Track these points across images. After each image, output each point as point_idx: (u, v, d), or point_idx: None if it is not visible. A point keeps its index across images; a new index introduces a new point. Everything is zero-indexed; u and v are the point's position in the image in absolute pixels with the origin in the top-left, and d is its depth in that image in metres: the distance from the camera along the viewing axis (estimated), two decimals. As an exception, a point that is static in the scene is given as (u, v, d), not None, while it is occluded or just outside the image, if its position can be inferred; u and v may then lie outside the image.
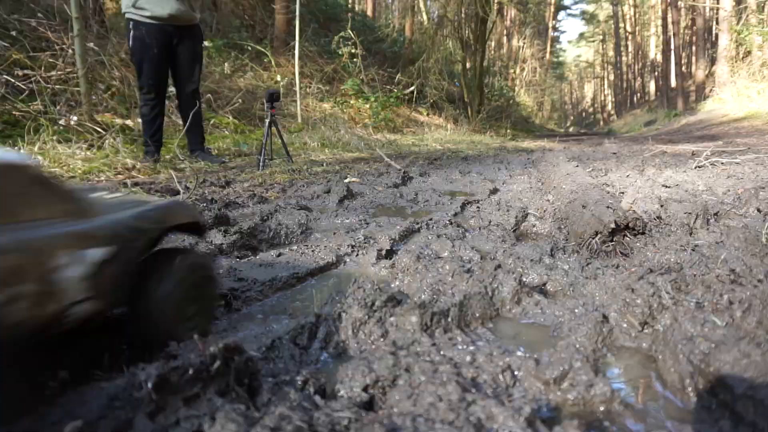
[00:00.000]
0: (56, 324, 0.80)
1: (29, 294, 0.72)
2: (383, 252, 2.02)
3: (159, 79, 4.34)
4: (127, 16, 4.20)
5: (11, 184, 0.73)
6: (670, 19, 28.54)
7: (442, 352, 1.09)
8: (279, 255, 1.96)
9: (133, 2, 4.13)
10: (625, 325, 1.28)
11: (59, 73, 5.33)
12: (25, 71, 4.99)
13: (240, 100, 8.12)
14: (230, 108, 7.85)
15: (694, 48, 27.85)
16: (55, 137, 4.12)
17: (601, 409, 0.93)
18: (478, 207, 2.93)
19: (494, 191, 3.56)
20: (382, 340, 1.20)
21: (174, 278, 1.00)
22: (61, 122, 4.60)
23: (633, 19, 42.84)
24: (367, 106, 11.27)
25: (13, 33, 5.44)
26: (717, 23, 21.01)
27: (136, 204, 1.01)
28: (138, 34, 4.17)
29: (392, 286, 1.67)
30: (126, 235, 0.92)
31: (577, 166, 4.27)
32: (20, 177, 0.75)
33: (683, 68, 29.77)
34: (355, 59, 12.26)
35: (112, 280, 0.88)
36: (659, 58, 34.53)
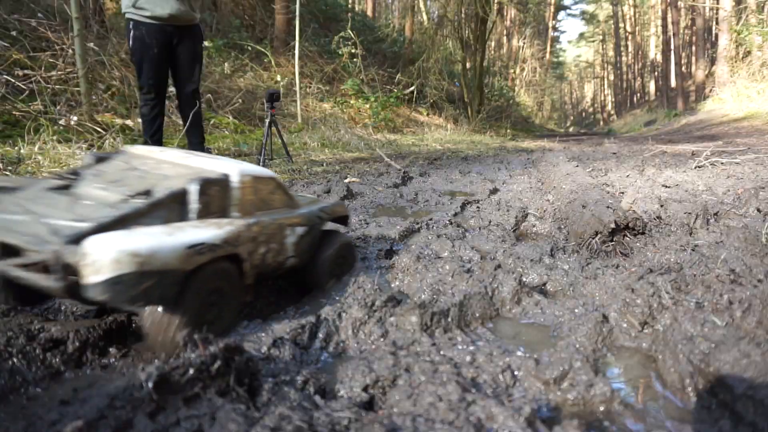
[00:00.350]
0: (279, 269, 1.39)
1: (275, 249, 1.33)
2: (383, 251, 2.02)
3: (159, 79, 4.34)
4: (127, 16, 4.20)
5: (269, 188, 1.36)
6: (670, 19, 28.54)
7: (442, 352, 1.09)
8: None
9: (133, 2, 4.13)
10: (625, 325, 1.28)
11: (59, 73, 5.33)
12: (25, 71, 4.99)
13: (240, 100, 8.12)
14: (230, 108, 7.85)
15: (694, 48, 27.87)
16: (55, 137, 4.12)
17: (601, 409, 0.93)
18: (478, 207, 2.93)
19: (494, 191, 3.56)
20: (382, 340, 1.20)
21: (333, 247, 1.60)
22: (61, 122, 4.60)
23: (633, 19, 42.87)
24: (367, 106, 11.27)
25: (13, 33, 5.44)
26: (717, 23, 21.02)
27: (316, 202, 1.67)
28: (138, 34, 4.17)
29: (392, 286, 1.68)
30: (314, 220, 1.53)
31: (577, 166, 4.27)
32: (272, 184, 1.38)
33: (683, 68, 29.79)
34: (355, 59, 12.26)
35: (306, 246, 1.48)
36: (659, 58, 34.56)
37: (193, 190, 1.16)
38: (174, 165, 1.30)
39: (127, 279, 0.91)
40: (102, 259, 0.89)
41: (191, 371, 0.78)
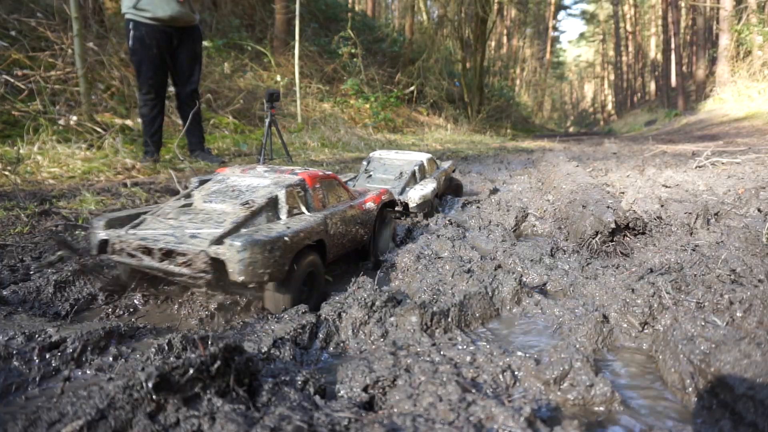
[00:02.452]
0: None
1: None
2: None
3: (159, 79, 4.35)
4: (127, 17, 4.20)
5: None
6: (670, 19, 28.53)
7: (442, 352, 1.09)
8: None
9: (134, 3, 4.13)
10: (625, 325, 1.28)
11: (59, 73, 5.33)
12: (25, 71, 4.99)
13: (240, 100, 8.12)
14: (230, 108, 7.85)
15: (694, 48, 27.86)
16: (54, 137, 4.12)
17: (601, 409, 0.93)
18: (478, 207, 2.93)
19: (494, 191, 3.56)
20: (382, 340, 1.19)
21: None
22: (61, 122, 4.60)
23: (633, 18, 42.83)
24: (367, 106, 11.27)
25: (13, 33, 5.44)
26: (717, 23, 21.02)
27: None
28: (138, 35, 4.18)
29: (392, 286, 1.67)
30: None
31: (577, 166, 4.27)
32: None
33: (683, 68, 29.76)
34: (355, 59, 12.26)
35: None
36: (659, 57, 34.54)
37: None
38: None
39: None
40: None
41: (191, 371, 0.77)
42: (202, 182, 1.74)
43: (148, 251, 1.35)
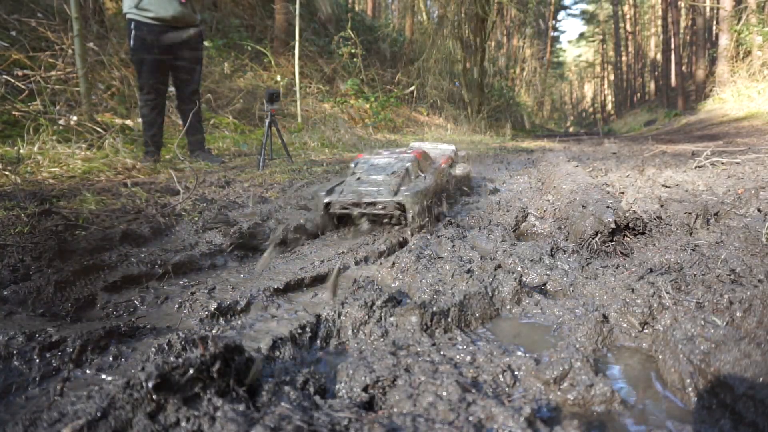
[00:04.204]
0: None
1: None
2: (384, 251, 2.02)
3: (159, 79, 4.35)
4: (128, 16, 4.20)
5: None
6: (670, 19, 28.54)
7: (442, 352, 1.09)
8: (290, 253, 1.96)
9: (135, 3, 4.13)
10: (625, 325, 1.28)
11: (59, 73, 5.33)
12: (25, 71, 4.99)
13: (240, 100, 8.12)
14: (230, 108, 7.85)
15: (694, 47, 27.86)
16: (54, 137, 4.12)
17: (601, 409, 0.93)
18: (478, 207, 2.93)
19: (494, 191, 3.56)
20: (382, 340, 1.20)
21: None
22: (61, 122, 4.59)
23: (633, 19, 42.85)
24: (367, 106, 11.27)
25: (13, 33, 5.44)
26: (717, 23, 21.01)
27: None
28: (140, 35, 4.18)
29: (392, 286, 1.67)
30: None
31: (577, 166, 4.27)
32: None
33: (683, 68, 29.76)
34: (355, 59, 12.26)
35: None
36: (659, 57, 34.54)
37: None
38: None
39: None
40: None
41: (191, 371, 0.78)
42: (356, 163, 2.67)
43: (357, 204, 2.33)
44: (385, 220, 2.42)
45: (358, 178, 2.51)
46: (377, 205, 2.28)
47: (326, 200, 2.35)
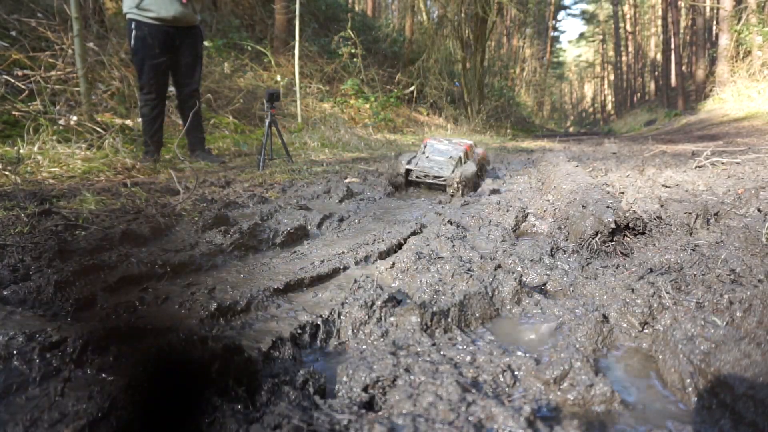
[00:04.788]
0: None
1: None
2: (384, 251, 2.02)
3: (160, 79, 4.35)
4: (129, 16, 4.19)
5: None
6: (670, 19, 28.53)
7: (442, 352, 1.09)
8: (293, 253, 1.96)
9: (136, 3, 4.12)
10: (625, 325, 1.28)
11: (59, 73, 5.32)
12: (25, 71, 4.98)
13: (240, 100, 8.12)
14: (230, 108, 7.85)
15: (694, 47, 27.85)
16: (54, 137, 4.12)
17: (601, 409, 0.93)
18: (478, 207, 2.93)
19: (494, 191, 3.56)
20: (382, 340, 1.19)
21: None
22: (61, 122, 4.59)
23: (633, 19, 42.82)
24: (367, 106, 11.27)
25: (13, 33, 5.43)
26: (717, 23, 21.01)
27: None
28: (140, 35, 4.17)
29: (392, 286, 1.67)
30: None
31: (577, 166, 4.27)
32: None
33: (683, 68, 29.75)
34: (355, 59, 12.26)
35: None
36: (659, 57, 34.53)
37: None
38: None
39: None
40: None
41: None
42: (425, 146, 3.71)
43: (425, 175, 3.48)
44: (439, 189, 3.61)
45: (427, 157, 3.63)
46: (440, 178, 3.49)
47: (406, 167, 3.55)
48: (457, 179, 3.31)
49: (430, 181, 3.48)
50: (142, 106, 4.39)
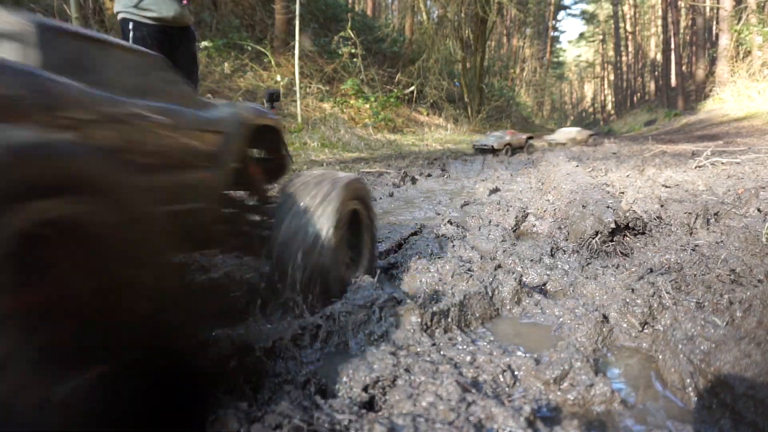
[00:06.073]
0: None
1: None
2: (384, 251, 2.02)
3: None
4: (125, 16, 4.12)
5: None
6: (670, 19, 28.54)
7: (442, 352, 1.09)
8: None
9: (135, 3, 4.08)
10: (625, 325, 1.28)
11: (59, 73, 5.32)
12: (25, 71, 4.98)
13: (240, 100, 8.12)
14: (230, 108, 7.84)
15: (694, 48, 27.85)
16: (55, 137, 4.12)
17: (601, 409, 0.93)
18: (478, 207, 2.93)
19: (494, 191, 3.56)
20: (382, 340, 1.19)
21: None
22: (61, 122, 4.59)
23: (633, 19, 42.84)
24: (367, 106, 11.27)
25: (13, 33, 5.43)
26: (717, 23, 21.01)
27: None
28: (139, 35, 4.12)
29: (392, 286, 1.67)
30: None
31: (577, 166, 4.27)
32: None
33: (683, 68, 29.75)
34: (355, 59, 12.26)
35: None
36: (659, 57, 34.55)
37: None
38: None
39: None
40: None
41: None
42: (489, 134, 10.04)
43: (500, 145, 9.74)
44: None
45: (494, 137, 9.77)
46: (510, 144, 9.55)
47: (491, 144, 9.50)
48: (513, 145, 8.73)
49: (500, 147, 9.11)
50: (142, 106, 4.38)
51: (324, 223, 1.26)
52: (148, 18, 4.18)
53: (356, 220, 1.50)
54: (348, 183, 1.38)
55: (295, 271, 1.24)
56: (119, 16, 4.24)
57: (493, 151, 9.32)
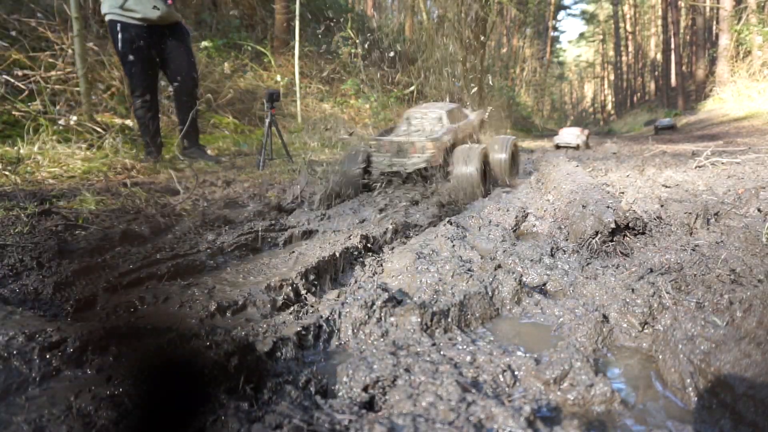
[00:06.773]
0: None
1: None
2: (385, 252, 2.02)
3: (152, 79, 4.33)
4: (112, 18, 4.09)
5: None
6: (670, 19, 28.54)
7: (442, 352, 1.09)
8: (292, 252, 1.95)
9: (120, 4, 4.04)
10: (625, 325, 1.28)
11: (59, 73, 5.32)
12: (25, 71, 4.98)
13: (240, 100, 8.12)
14: (230, 108, 7.85)
15: (694, 48, 27.86)
16: (54, 137, 4.12)
17: (601, 409, 0.93)
18: (478, 207, 2.93)
19: (494, 191, 3.56)
20: (382, 340, 1.20)
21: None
22: (61, 122, 4.59)
23: (633, 18, 42.85)
24: (367, 106, 11.27)
25: (13, 33, 5.43)
26: (717, 23, 21.02)
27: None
28: (128, 37, 4.10)
29: (392, 286, 1.67)
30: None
31: (577, 166, 4.26)
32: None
33: (683, 68, 29.75)
34: (355, 59, 12.26)
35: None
36: (659, 57, 34.56)
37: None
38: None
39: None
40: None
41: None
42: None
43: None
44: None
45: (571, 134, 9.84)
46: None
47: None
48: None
49: None
50: (138, 108, 4.37)
51: (503, 155, 3.85)
52: (135, 19, 4.16)
53: (515, 153, 4.17)
54: (512, 141, 4.02)
55: (495, 166, 3.78)
56: (107, 18, 4.21)
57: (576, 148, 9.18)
